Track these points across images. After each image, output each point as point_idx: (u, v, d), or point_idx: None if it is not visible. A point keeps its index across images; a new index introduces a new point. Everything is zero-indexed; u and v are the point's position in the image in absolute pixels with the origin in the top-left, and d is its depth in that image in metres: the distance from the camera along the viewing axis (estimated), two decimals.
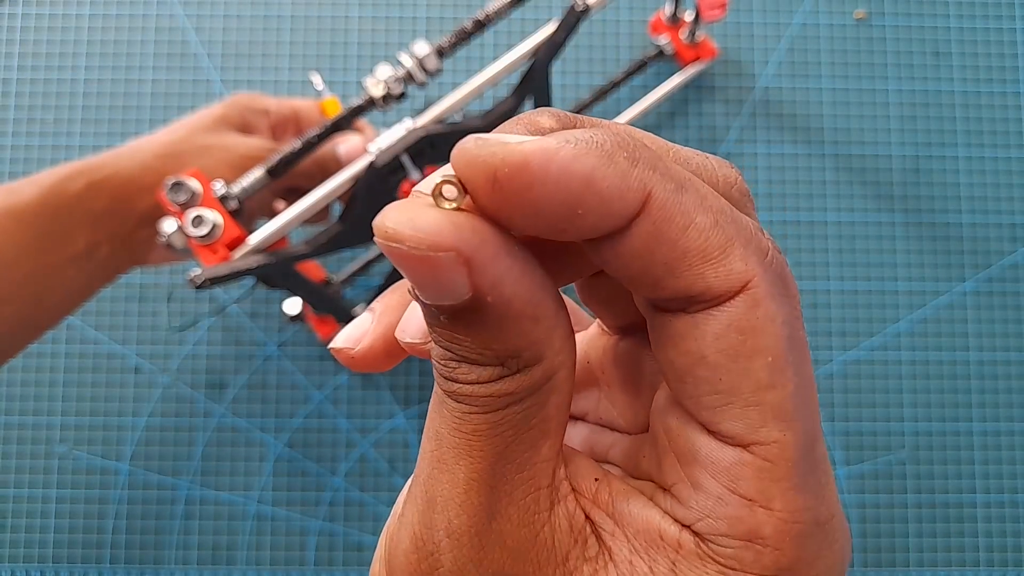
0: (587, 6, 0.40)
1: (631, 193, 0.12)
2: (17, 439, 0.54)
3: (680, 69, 0.57)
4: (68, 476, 0.54)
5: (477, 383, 0.13)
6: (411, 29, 0.59)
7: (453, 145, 0.41)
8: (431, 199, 0.12)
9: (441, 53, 0.40)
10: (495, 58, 0.41)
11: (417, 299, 0.13)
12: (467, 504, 0.13)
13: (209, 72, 0.58)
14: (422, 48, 0.39)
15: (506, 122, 0.13)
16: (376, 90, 0.39)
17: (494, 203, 0.12)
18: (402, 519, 0.14)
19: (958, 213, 0.57)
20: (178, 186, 0.37)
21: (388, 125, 0.40)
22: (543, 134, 0.12)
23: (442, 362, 0.13)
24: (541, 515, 0.13)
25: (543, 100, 0.44)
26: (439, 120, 0.40)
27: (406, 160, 0.39)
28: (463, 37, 0.40)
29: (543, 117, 0.13)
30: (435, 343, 0.13)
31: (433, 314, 0.13)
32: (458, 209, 0.12)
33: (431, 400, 0.14)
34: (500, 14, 0.40)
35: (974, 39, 0.58)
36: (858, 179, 0.57)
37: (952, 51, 0.58)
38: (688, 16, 0.54)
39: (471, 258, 0.11)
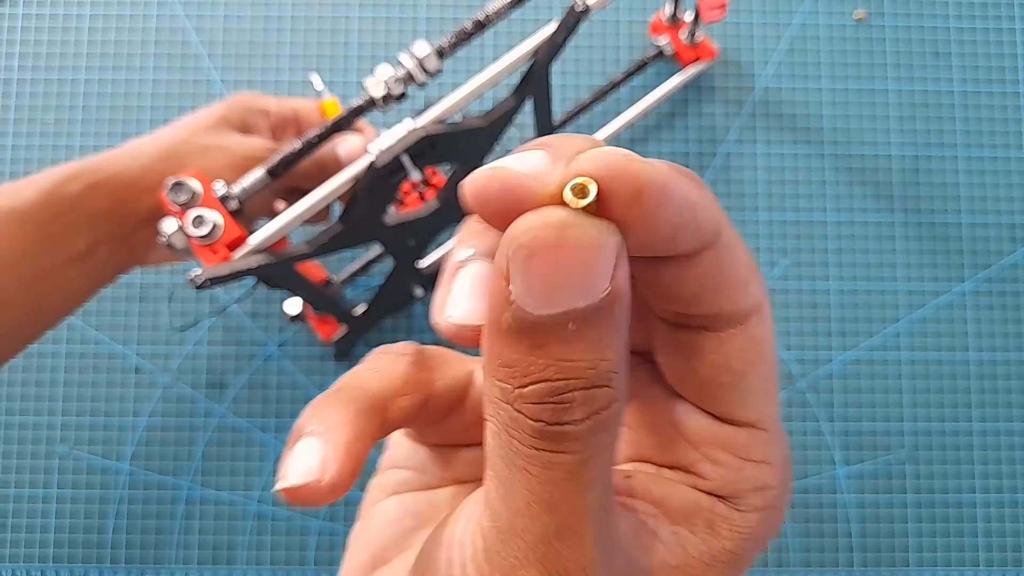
0: (587, 7, 0.40)
1: (714, 226, 0.13)
2: (18, 439, 0.54)
3: (680, 69, 0.57)
4: (69, 476, 0.54)
5: (592, 414, 0.12)
6: (411, 30, 0.59)
7: (453, 145, 0.41)
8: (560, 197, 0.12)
9: (441, 54, 0.40)
10: (495, 58, 0.41)
11: (523, 323, 0.12)
12: (602, 559, 0.13)
13: (210, 72, 0.58)
14: (422, 48, 0.39)
15: (572, 137, 0.13)
16: (376, 90, 0.39)
17: (627, 214, 0.12)
18: None
19: (957, 213, 0.57)
20: (179, 186, 0.38)
21: (388, 126, 0.40)
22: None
23: (549, 403, 0.12)
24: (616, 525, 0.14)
25: (543, 101, 0.44)
26: (439, 120, 0.40)
27: (406, 160, 0.39)
28: (463, 38, 0.40)
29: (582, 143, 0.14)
30: (535, 383, 0.12)
31: (549, 329, 0.12)
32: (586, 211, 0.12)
33: (502, 478, 0.13)
34: (500, 15, 0.40)
35: (973, 39, 0.58)
36: (858, 179, 0.57)
37: (952, 51, 0.58)
38: (688, 17, 0.54)
39: (620, 248, 0.12)
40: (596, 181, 0.12)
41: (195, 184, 0.38)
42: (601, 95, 0.56)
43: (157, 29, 0.59)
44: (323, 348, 0.55)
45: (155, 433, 0.54)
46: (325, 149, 0.46)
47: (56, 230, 0.39)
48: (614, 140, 0.57)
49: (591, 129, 0.57)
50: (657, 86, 0.57)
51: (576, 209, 0.12)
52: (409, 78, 0.39)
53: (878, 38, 0.59)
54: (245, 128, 0.45)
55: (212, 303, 0.56)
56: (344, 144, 0.47)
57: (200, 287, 0.35)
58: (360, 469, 0.15)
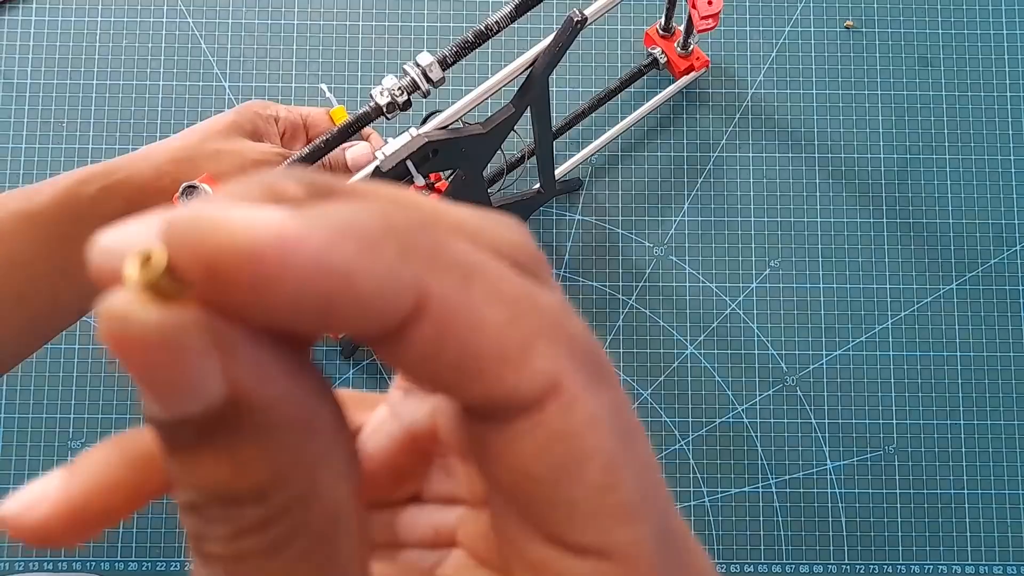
0: (584, 18, 0.41)
1: (401, 296, 0.09)
2: (31, 435, 0.55)
3: (673, 78, 0.59)
4: None
5: (236, 537, 0.10)
6: (416, 39, 0.60)
7: (455, 152, 0.43)
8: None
9: (444, 64, 0.41)
10: (496, 68, 0.43)
11: (151, 421, 0.10)
12: None
13: (220, 80, 0.60)
14: (426, 59, 0.41)
15: (241, 181, 0.10)
16: (382, 99, 0.41)
17: (216, 297, 0.09)
18: None
19: (945, 216, 0.58)
20: (191, 190, 0.39)
21: (394, 133, 0.42)
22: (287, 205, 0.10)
23: (194, 513, 0.10)
24: None
25: (542, 109, 0.45)
26: (442, 127, 0.41)
27: (411, 166, 0.40)
28: (465, 48, 0.41)
29: (290, 183, 0.10)
30: (180, 487, 0.10)
31: (175, 434, 0.10)
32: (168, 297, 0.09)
33: None
34: (501, 26, 0.42)
35: (961, 45, 0.60)
36: (846, 183, 0.59)
37: (940, 56, 0.60)
38: (681, 27, 0.56)
39: (225, 338, 0.09)
40: (167, 250, 0.09)
41: (207, 188, 0.39)
42: (598, 103, 0.57)
43: (167, 38, 0.60)
44: (322, 347, 0.57)
45: None
46: (333, 155, 0.47)
47: (71, 232, 0.40)
48: (613, 143, 0.58)
49: (588, 136, 0.58)
50: (652, 94, 0.58)
51: (144, 290, 0.09)
52: (413, 87, 0.41)
53: (868, 44, 0.60)
54: (255, 134, 0.46)
55: None
56: (352, 150, 0.48)
57: None
58: (94, 522, 0.12)
